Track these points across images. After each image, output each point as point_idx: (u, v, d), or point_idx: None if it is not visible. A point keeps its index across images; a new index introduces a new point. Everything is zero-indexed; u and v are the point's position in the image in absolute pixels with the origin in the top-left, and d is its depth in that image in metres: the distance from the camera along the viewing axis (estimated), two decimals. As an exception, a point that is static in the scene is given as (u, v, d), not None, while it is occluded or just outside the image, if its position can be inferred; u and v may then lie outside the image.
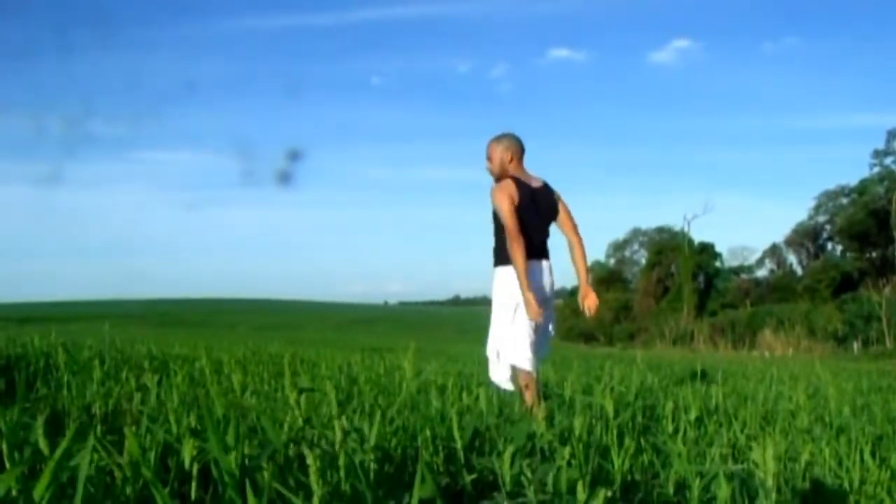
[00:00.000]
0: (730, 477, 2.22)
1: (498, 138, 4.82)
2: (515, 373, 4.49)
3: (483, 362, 5.08)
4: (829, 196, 57.25)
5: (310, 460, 1.59)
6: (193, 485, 2.04)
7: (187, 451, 2.04)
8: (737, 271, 61.58)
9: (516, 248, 4.52)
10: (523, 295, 4.52)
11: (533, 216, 4.68)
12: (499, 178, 4.74)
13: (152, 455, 2.00)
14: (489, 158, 4.80)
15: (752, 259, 62.21)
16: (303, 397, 2.28)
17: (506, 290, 4.65)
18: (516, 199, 4.61)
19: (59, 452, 1.71)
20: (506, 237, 4.57)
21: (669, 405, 3.79)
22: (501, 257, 4.68)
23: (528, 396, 4.35)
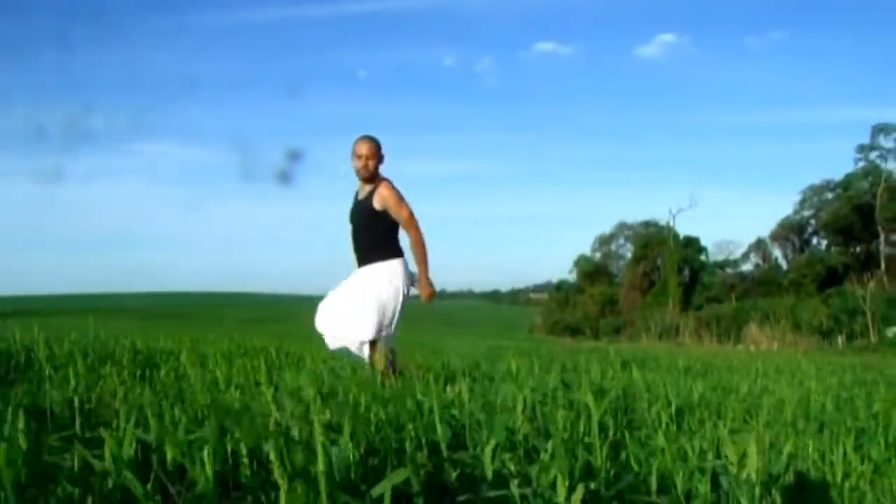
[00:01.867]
0: (711, 471, 2.23)
1: (373, 138, 5.15)
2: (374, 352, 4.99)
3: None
4: (815, 191, 57.57)
5: (272, 455, 1.58)
6: (175, 480, 2.03)
7: (169, 447, 2.02)
8: (722, 265, 61.84)
9: (422, 239, 5.16)
10: (425, 278, 5.26)
11: None
12: (372, 178, 5.11)
13: (132, 451, 1.98)
14: (373, 157, 5.08)
15: (738, 253, 62.57)
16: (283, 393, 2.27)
17: (396, 281, 5.12)
18: None
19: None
20: (386, 234, 5.12)
21: (652, 399, 3.80)
22: (387, 252, 5.15)
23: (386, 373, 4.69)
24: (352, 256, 5.28)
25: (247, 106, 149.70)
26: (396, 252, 5.18)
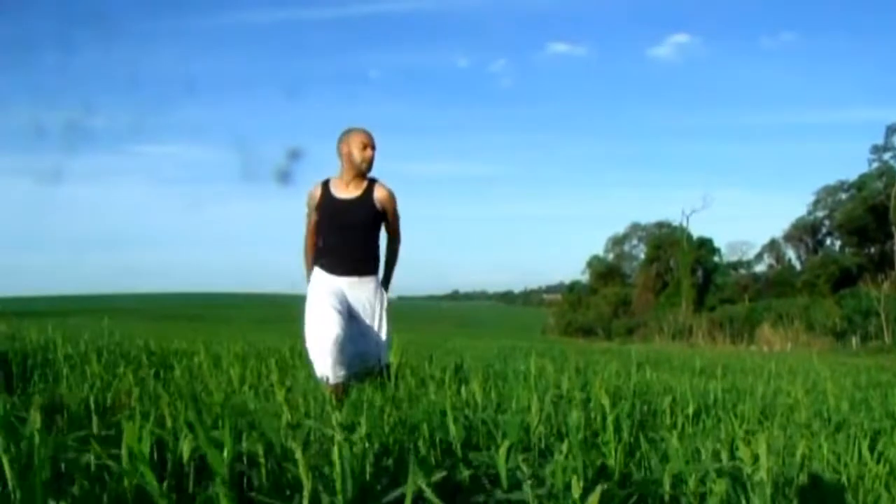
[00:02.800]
0: (726, 472, 2.22)
1: None
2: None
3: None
4: (828, 191, 57.29)
5: (298, 454, 1.59)
6: (192, 479, 2.04)
7: (185, 445, 2.04)
8: (735, 266, 61.62)
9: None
10: (389, 284, 4.72)
11: None
12: (366, 173, 4.56)
13: (148, 449, 1.99)
14: (375, 148, 4.58)
15: (751, 254, 62.35)
16: (299, 393, 2.28)
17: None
18: None
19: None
20: (379, 239, 4.62)
21: (667, 400, 3.79)
22: (378, 261, 4.66)
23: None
24: (302, 261, 4.77)
25: (250, 106, 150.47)
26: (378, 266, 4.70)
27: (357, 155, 4.49)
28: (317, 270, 4.54)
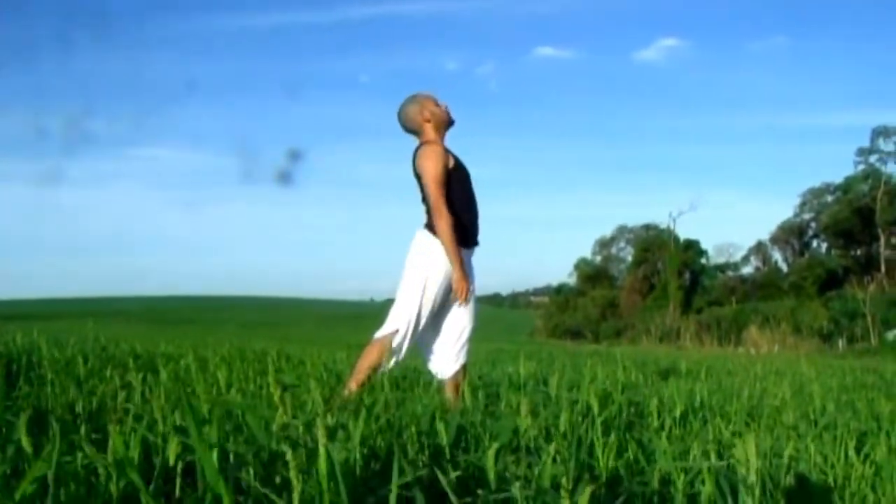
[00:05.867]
0: (714, 473, 2.23)
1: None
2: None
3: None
4: (815, 194, 57.61)
5: (289, 457, 1.59)
6: (178, 482, 2.03)
7: (172, 448, 2.03)
8: (722, 268, 61.83)
9: None
10: None
11: None
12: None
13: (136, 453, 1.98)
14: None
15: (738, 256, 62.63)
16: (287, 395, 2.27)
17: None
18: None
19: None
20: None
21: (654, 401, 3.80)
22: None
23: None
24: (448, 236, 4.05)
25: (247, 109, 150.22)
26: None
27: (440, 112, 4.23)
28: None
